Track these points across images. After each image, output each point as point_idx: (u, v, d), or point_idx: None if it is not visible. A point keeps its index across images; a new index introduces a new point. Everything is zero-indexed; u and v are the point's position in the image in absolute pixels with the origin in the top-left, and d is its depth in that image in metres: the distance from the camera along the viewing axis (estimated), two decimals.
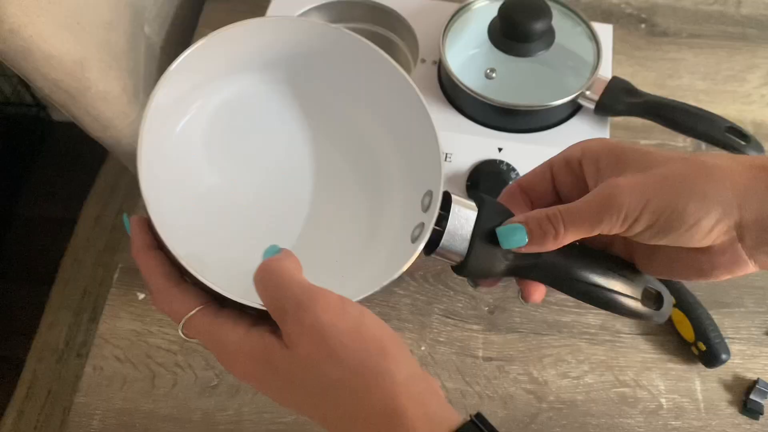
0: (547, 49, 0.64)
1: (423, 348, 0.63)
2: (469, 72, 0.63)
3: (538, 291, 0.42)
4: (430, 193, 0.39)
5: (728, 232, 0.35)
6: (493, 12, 0.65)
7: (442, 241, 0.38)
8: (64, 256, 1.39)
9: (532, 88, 0.64)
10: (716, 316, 0.65)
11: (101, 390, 0.61)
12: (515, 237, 0.38)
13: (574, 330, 0.64)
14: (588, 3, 0.86)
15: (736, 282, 0.67)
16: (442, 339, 0.63)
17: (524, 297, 0.42)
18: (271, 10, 0.72)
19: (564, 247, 0.38)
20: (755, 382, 0.61)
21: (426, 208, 0.39)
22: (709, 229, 0.35)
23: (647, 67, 0.81)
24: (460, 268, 0.39)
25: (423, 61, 0.68)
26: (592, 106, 0.63)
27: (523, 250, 0.38)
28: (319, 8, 0.73)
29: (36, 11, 0.61)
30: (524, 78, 0.64)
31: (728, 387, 0.62)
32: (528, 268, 0.39)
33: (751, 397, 0.60)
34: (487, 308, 0.65)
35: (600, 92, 0.63)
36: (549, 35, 0.64)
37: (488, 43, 0.64)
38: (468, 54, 0.65)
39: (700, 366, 0.62)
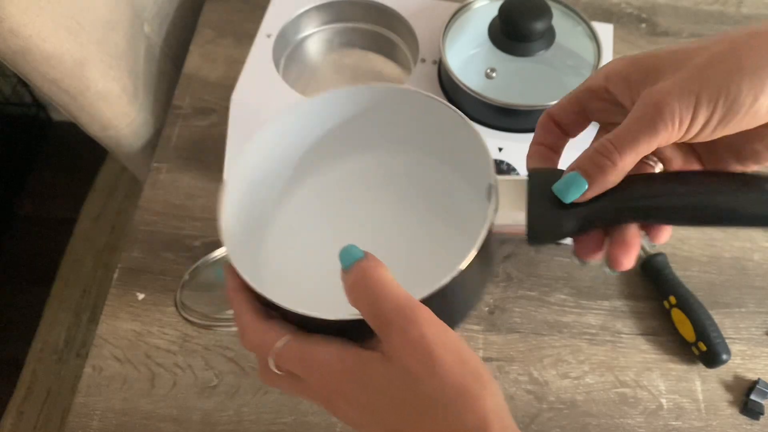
0: (548, 49, 0.63)
1: None
2: (470, 72, 0.63)
3: (597, 248, 0.37)
4: (489, 187, 0.38)
5: None
6: (493, 12, 0.64)
7: (497, 216, 0.37)
8: (63, 256, 1.38)
9: (532, 88, 0.64)
10: (716, 317, 0.65)
11: (101, 390, 0.61)
12: (574, 186, 0.35)
13: (575, 330, 0.64)
14: (588, 2, 0.86)
15: (736, 282, 0.67)
16: None
17: (579, 254, 0.38)
18: (271, 9, 0.72)
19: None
20: (756, 382, 0.61)
21: (489, 198, 0.38)
22: None
23: None
24: (531, 237, 0.37)
25: (423, 60, 0.68)
26: None
27: (589, 196, 0.35)
28: (318, 8, 0.73)
29: (35, 11, 0.61)
30: (525, 77, 0.64)
31: (729, 387, 0.62)
32: (604, 214, 0.36)
33: (752, 397, 0.60)
34: (487, 308, 0.65)
35: None
36: (549, 35, 0.64)
37: (488, 43, 0.64)
38: (468, 54, 0.65)
39: (701, 366, 0.62)
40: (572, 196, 0.35)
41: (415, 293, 0.34)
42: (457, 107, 0.64)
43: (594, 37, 0.65)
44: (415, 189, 0.47)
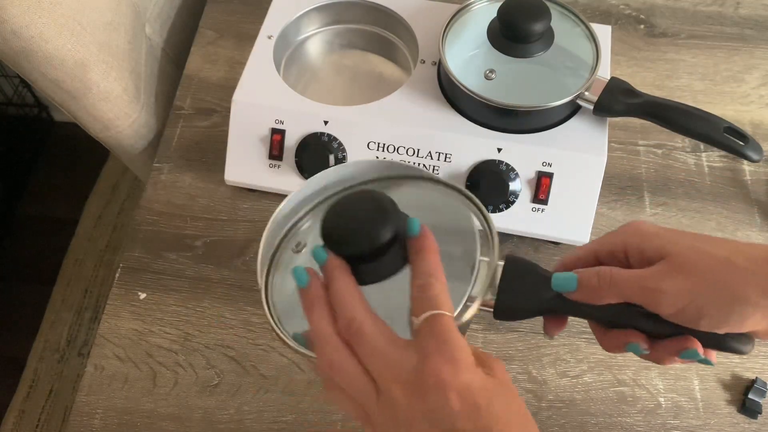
0: (546, 50, 0.64)
1: None
2: (469, 73, 0.63)
3: (561, 326, 0.45)
4: (474, 265, 0.43)
5: None
6: (492, 13, 0.65)
7: (474, 288, 0.42)
8: (65, 255, 1.39)
9: (531, 89, 0.64)
10: None
11: (102, 389, 0.61)
12: (567, 284, 0.41)
13: (573, 329, 0.64)
14: (587, 4, 0.87)
15: None
16: None
17: (548, 331, 0.45)
18: (272, 11, 0.72)
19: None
20: (753, 381, 0.61)
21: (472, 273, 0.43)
22: (753, 324, 0.38)
23: (646, 68, 0.81)
24: (497, 313, 0.43)
25: (423, 62, 0.68)
26: (590, 106, 0.63)
27: (572, 297, 0.41)
28: (319, 9, 0.73)
29: (37, 12, 0.61)
30: (523, 78, 0.64)
31: (727, 386, 0.62)
32: (560, 307, 0.42)
33: (750, 396, 0.61)
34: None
35: (599, 93, 0.63)
36: (548, 36, 0.64)
37: (487, 44, 0.64)
38: (467, 55, 0.65)
39: (699, 365, 0.63)
40: (559, 289, 0.41)
41: None
42: (456, 108, 0.65)
43: (592, 38, 0.65)
44: None
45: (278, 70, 0.70)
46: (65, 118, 1.59)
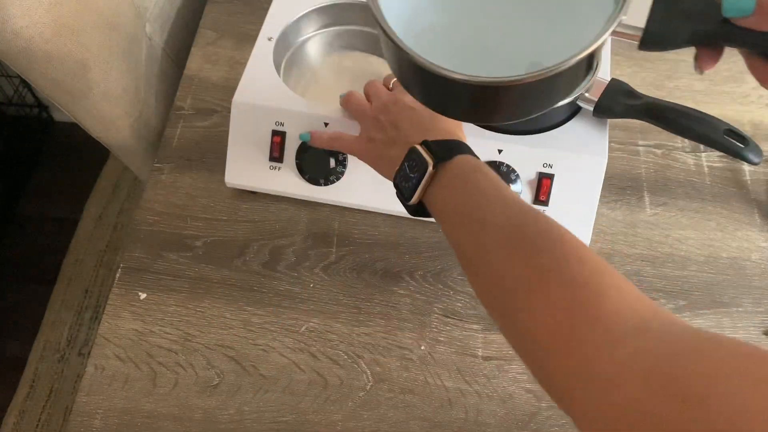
0: None
1: (423, 347, 0.63)
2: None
3: (715, 59, 0.40)
4: None
5: None
6: None
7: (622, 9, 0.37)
8: (65, 255, 1.39)
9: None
10: (715, 316, 0.65)
11: (103, 389, 0.61)
12: (741, 8, 0.36)
13: None
14: None
15: (734, 282, 0.67)
16: (442, 338, 0.64)
17: (701, 65, 0.40)
18: (271, 12, 0.72)
19: None
20: None
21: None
22: None
23: (646, 68, 0.81)
24: (645, 41, 0.39)
25: None
26: (590, 107, 0.63)
27: (746, 23, 0.36)
28: (318, 11, 0.73)
29: (38, 12, 0.61)
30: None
31: None
32: (722, 35, 0.38)
33: None
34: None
35: (599, 94, 0.63)
36: None
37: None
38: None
39: None
40: (733, 14, 0.36)
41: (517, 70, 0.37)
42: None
43: None
44: None
45: (278, 71, 0.70)
46: (65, 118, 1.59)
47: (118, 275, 0.67)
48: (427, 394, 0.61)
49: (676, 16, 0.38)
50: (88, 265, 1.38)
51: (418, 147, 0.50)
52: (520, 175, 0.64)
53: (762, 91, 0.79)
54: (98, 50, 0.70)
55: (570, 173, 0.64)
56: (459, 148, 0.51)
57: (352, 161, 0.66)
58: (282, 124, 0.66)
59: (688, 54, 0.86)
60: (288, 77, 0.73)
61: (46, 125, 1.60)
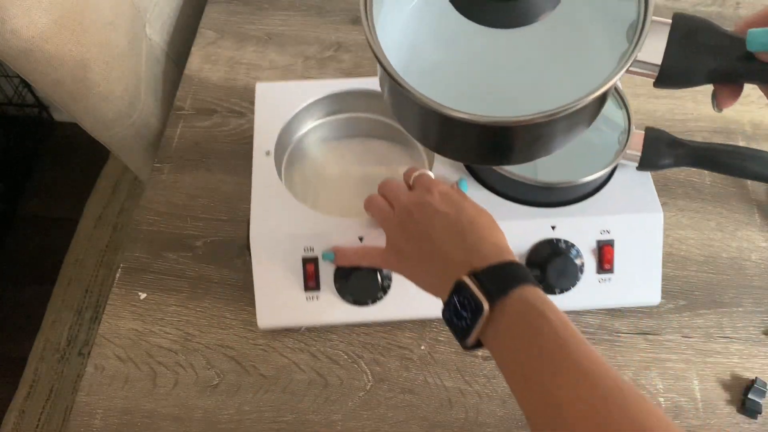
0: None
1: (423, 347, 0.63)
2: None
3: (735, 97, 0.39)
4: (632, 24, 0.37)
5: None
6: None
7: (638, 45, 0.35)
8: (65, 255, 1.39)
9: (567, 157, 0.55)
10: (714, 316, 0.65)
11: (103, 389, 0.61)
12: (766, 41, 0.34)
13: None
14: None
15: (734, 282, 0.67)
16: (442, 338, 0.64)
17: (720, 103, 0.39)
18: (258, 125, 0.66)
19: None
20: (753, 381, 0.61)
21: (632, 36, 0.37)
22: None
23: None
24: (661, 79, 0.37)
25: None
26: (634, 162, 0.60)
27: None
28: (306, 108, 0.68)
29: (38, 12, 0.61)
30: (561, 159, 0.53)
31: (726, 386, 0.62)
32: (743, 71, 0.36)
33: (750, 396, 0.61)
34: None
35: (640, 147, 0.60)
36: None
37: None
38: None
39: (699, 365, 0.63)
40: (758, 47, 0.35)
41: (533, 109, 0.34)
42: (489, 188, 0.59)
43: (622, 101, 0.60)
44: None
45: (279, 175, 0.64)
46: (65, 118, 1.59)
47: (118, 275, 0.67)
48: (427, 394, 0.61)
49: (694, 52, 0.36)
50: (88, 265, 1.38)
51: (467, 281, 0.43)
52: (579, 249, 0.60)
53: None
54: (98, 50, 0.70)
55: (629, 235, 0.61)
56: (514, 276, 0.44)
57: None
58: (312, 249, 0.59)
59: None
60: (291, 179, 0.67)
61: (46, 125, 1.60)
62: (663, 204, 0.61)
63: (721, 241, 0.69)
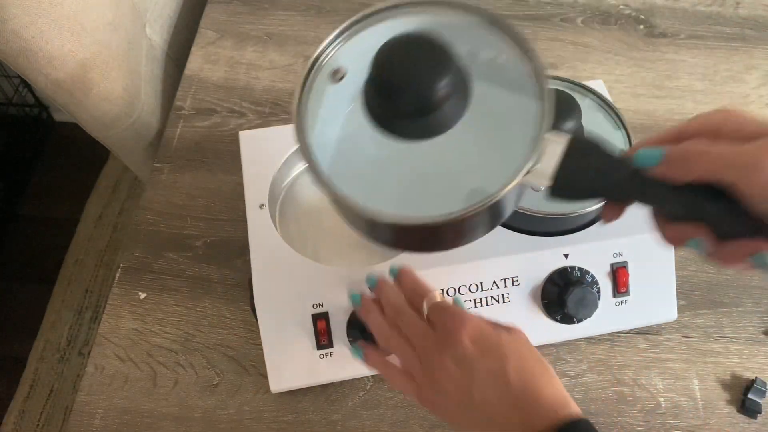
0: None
1: None
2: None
3: (619, 213, 0.40)
4: (535, 138, 0.39)
5: None
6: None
7: (533, 162, 0.38)
8: (65, 255, 1.39)
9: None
10: (714, 316, 0.65)
11: (103, 389, 0.61)
12: (651, 155, 0.36)
13: None
14: (587, 4, 0.87)
15: (734, 282, 0.67)
16: None
17: (606, 216, 0.41)
18: (247, 178, 0.63)
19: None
20: (753, 381, 0.61)
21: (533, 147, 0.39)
22: None
23: (646, 68, 0.81)
24: (555, 188, 0.39)
25: None
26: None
27: (654, 172, 0.36)
28: (294, 154, 0.64)
29: (38, 12, 0.62)
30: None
31: (726, 386, 0.62)
32: (629, 189, 0.38)
33: (749, 396, 0.61)
34: None
35: None
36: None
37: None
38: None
39: (699, 365, 0.63)
40: (642, 163, 0.37)
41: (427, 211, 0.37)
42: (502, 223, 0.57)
43: (618, 119, 0.59)
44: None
45: (274, 223, 0.61)
46: (65, 118, 1.59)
47: (118, 275, 0.67)
48: None
49: (586, 171, 0.38)
50: (88, 265, 1.39)
51: None
52: (595, 275, 0.59)
53: (762, 90, 0.79)
54: (98, 50, 0.70)
55: (642, 256, 0.60)
56: None
57: None
58: (321, 305, 0.57)
59: (688, 54, 0.87)
60: (287, 230, 0.63)
61: (46, 125, 1.60)
62: None
63: None
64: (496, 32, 0.42)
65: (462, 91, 0.40)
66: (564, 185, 0.38)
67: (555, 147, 0.38)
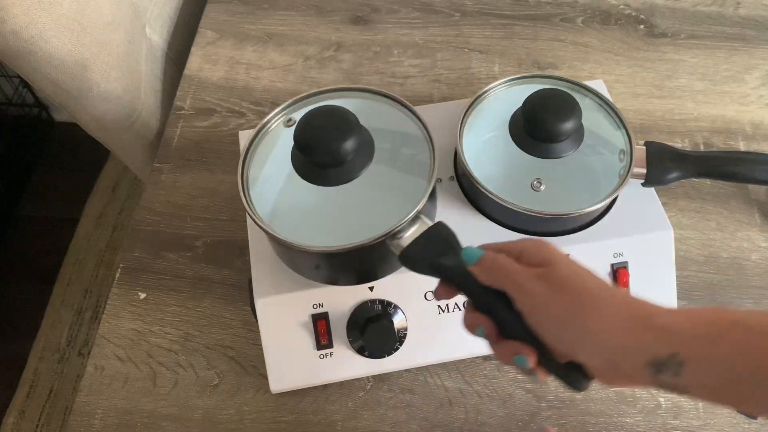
0: (577, 148, 0.58)
1: None
2: (507, 185, 0.57)
3: (450, 294, 0.47)
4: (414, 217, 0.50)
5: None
6: (510, 104, 0.59)
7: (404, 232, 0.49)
8: (65, 255, 1.39)
9: (576, 185, 0.58)
10: None
11: (102, 389, 0.61)
12: (472, 255, 0.45)
13: None
14: (587, 4, 0.87)
15: (734, 282, 0.67)
16: None
17: (437, 294, 0.48)
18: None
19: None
20: None
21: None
22: (585, 355, 0.40)
23: (646, 68, 0.81)
24: (402, 257, 0.49)
25: (439, 180, 0.62)
26: (640, 180, 0.60)
27: (469, 267, 0.45)
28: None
29: (38, 12, 0.62)
30: (562, 177, 0.58)
31: None
32: (453, 275, 0.46)
33: None
34: None
35: (644, 164, 0.59)
36: (578, 133, 0.58)
37: (512, 146, 0.58)
38: (495, 165, 0.59)
39: None
40: (465, 258, 0.45)
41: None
42: (496, 221, 0.60)
43: (610, 108, 0.60)
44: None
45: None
46: (65, 118, 1.59)
47: (118, 275, 0.67)
48: (427, 394, 0.61)
49: (428, 250, 0.48)
50: (88, 265, 1.39)
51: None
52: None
53: (762, 90, 0.79)
54: (98, 50, 0.70)
55: (642, 255, 0.60)
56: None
57: (412, 319, 0.59)
58: (321, 305, 0.57)
59: (688, 54, 0.87)
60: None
61: (46, 125, 1.60)
62: (663, 204, 0.61)
63: (721, 241, 0.69)
64: (399, 108, 0.56)
65: (366, 148, 0.52)
66: (409, 257, 0.48)
67: (421, 227, 0.49)
